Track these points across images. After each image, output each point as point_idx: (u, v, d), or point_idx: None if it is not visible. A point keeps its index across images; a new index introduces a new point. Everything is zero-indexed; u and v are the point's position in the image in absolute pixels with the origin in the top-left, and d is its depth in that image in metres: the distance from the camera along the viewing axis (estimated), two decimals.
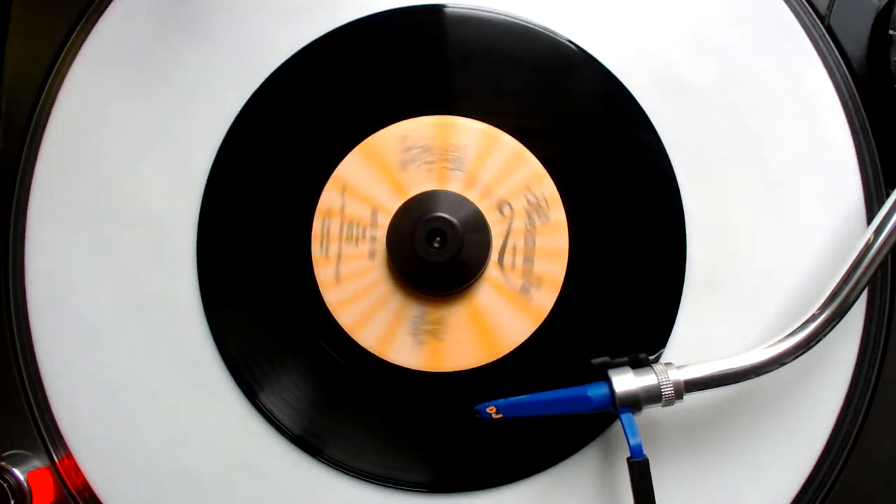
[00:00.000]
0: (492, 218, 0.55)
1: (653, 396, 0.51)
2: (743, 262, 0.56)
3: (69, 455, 0.57)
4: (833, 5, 0.57)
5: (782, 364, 0.51)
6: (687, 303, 0.56)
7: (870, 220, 0.55)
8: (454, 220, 0.52)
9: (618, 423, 0.54)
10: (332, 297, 0.56)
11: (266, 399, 0.56)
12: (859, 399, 0.55)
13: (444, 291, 0.55)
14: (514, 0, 0.58)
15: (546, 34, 0.57)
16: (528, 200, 0.56)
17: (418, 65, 0.58)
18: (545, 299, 0.55)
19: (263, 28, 0.59)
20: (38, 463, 0.57)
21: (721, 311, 0.56)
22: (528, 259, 0.55)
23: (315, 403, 0.56)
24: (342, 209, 0.56)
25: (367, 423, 0.56)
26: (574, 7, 0.58)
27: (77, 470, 0.57)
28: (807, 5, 0.58)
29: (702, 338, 0.55)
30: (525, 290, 0.55)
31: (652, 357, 0.55)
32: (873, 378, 0.55)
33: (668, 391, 0.51)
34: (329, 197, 0.56)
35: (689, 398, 0.52)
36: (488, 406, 0.52)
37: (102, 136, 0.59)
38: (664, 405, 0.51)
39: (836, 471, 0.55)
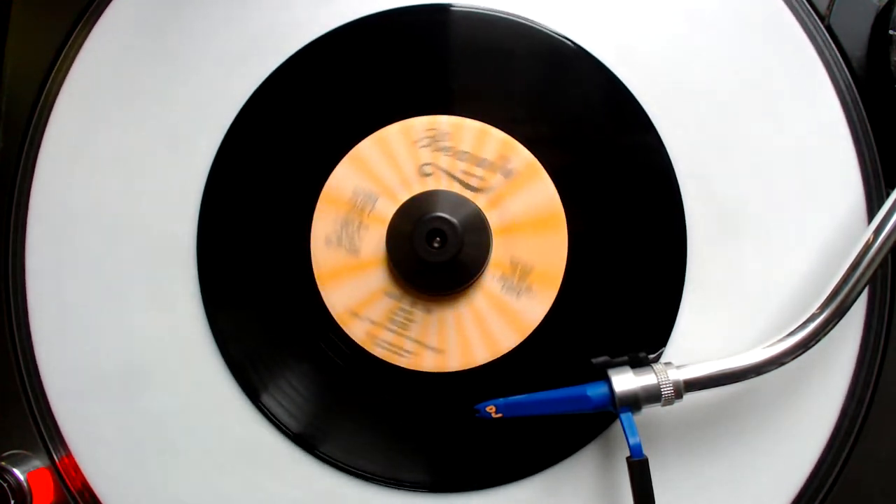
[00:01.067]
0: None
1: (652, 396, 0.51)
2: (743, 261, 0.56)
3: (69, 455, 0.57)
4: (833, 5, 0.57)
5: (782, 364, 0.51)
6: (687, 303, 0.56)
7: (870, 219, 0.55)
8: (454, 220, 0.52)
9: (617, 422, 0.54)
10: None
11: (266, 399, 0.56)
12: (859, 399, 0.55)
13: (444, 291, 0.55)
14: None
15: (546, 33, 0.57)
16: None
17: (418, 65, 0.58)
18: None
19: (264, 27, 0.59)
20: (38, 463, 0.57)
21: (721, 310, 0.55)
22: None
23: (315, 403, 0.56)
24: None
25: (368, 423, 0.56)
26: (574, 6, 0.58)
27: (77, 470, 0.57)
28: (807, 5, 0.58)
29: (702, 337, 0.55)
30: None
31: (652, 356, 0.55)
32: (873, 378, 0.55)
33: (667, 391, 0.51)
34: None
35: (689, 398, 0.52)
36: (488, 405, 0.52)
37: (102, 135, 0.59)
38: (664, 405, 0.51)
39: (836, 471, 0.55)
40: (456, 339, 0.55)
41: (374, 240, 0.56)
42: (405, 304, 0.55)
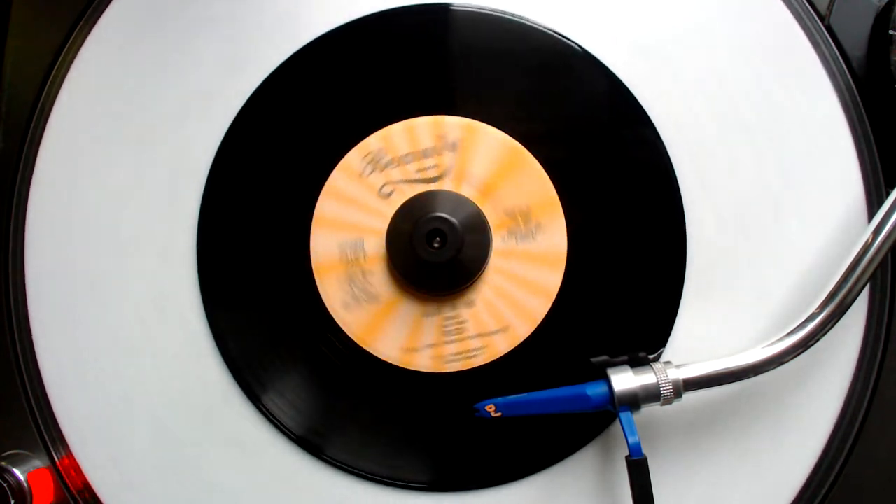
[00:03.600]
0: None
1: (651, 395, 0.51)
2: (743, 261, 0.56)
3: (69, 455, 0.57)
4: (833, 5, 0.57)
5: (781, 363, 0.51)
6: (687, 302, 0.56)
7: (870, 219, 0.55)
8: (454, 220, 0.52)
9: (617, 422, 0.54)
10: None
11: (266, 399, 0.56)
12: (859, 399, 0.55)
13: (444, 291, 0.55)
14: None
15: (546, 33, 0.57)
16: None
17: (418, 65, 0.58)
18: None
19: (264, 28, 0.59)
20: (38, 463, 0.58)
21: (721, 310, 0.55)
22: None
23: (315, 403, 0.56)
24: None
25: (367, 423, 0.56)
26: (574, 6, 0.58)
27: (77, 470, 0.57)
28: (807, 5, 0.58)
29: (702, 337, 0.55)
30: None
31: (652, 356, 0.55)
32: (873, 377, 0.55)
33: (666, 390, 0.51)
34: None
35: (689, 397, 0.52)
36: (487, 405, 0.52)
37: (102, 135, 0.59)
38: (663, 404, 0.51)
39: (836, 471, 0.55)
40: (509, 309, 0.55)
41: (383, 279, 0.56)
42: (447, 313, 0.55)
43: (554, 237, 0.55)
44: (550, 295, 0.55)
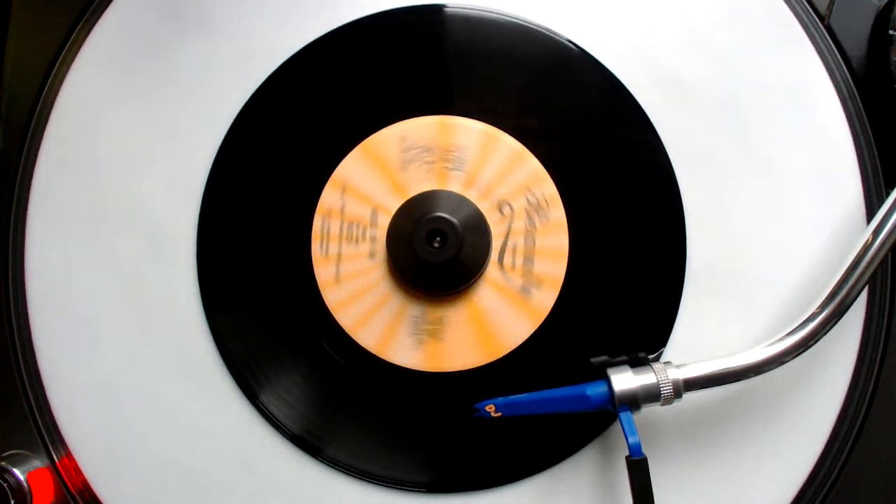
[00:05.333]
0: (492, 218, 0.55)
1: (651, 395, 0.51)
2: (743, 261, 0.56)
3: (69, 455, 0.57)
4: (833, 5, 0.57)
5: (781, 363, 0.51)
6: (687, 302, 0.56)
7: (870, 219, 0.55)
8: (454, 220, 0.52)
9: (617, 423, 0.54)
10: (332, 297, 0.56)
11: (266, 399, 0.56)
12: (859, 398, 0.55)
13: (444, 291, 0.55)
14: (513, 0, 0.58)
15: (545, 34, 0.57)
16: (528, 200, 0.56)
17: (418, 65, 0.58)
18: (545, 299, 0.55)
19: (264, 28, 0.59)
20: (38, 463, 0.57)
21: (721, 310, 0.56)
22: (528, 259, 0.55)
23: (315, 403, 0.56)
24: (342, 209, 0.56)
25: (367, 423, 0.56)
26: (573, 7, 0.58)
27: (77, 470, 0.57)
28: (807, 5, 0.58)
29: (702, 337, 0.55)
30: (525, 290, 0.55)
31: (653, 356, 0.55)
32: (873, 377, 0.55)
33: (666, 390, 0.51)
34: (329, 197, 0.56)
35: (689, 397, 0.52)
36: (487, 405, 0.52)
37: (102, 135, 0.59)
38: (663, 404, 0.51)
39: (836, 471, 0.55)
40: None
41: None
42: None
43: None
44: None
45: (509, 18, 0.58)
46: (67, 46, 0.60)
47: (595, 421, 0.55)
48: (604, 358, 0.54)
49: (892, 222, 0.51)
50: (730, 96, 0.57)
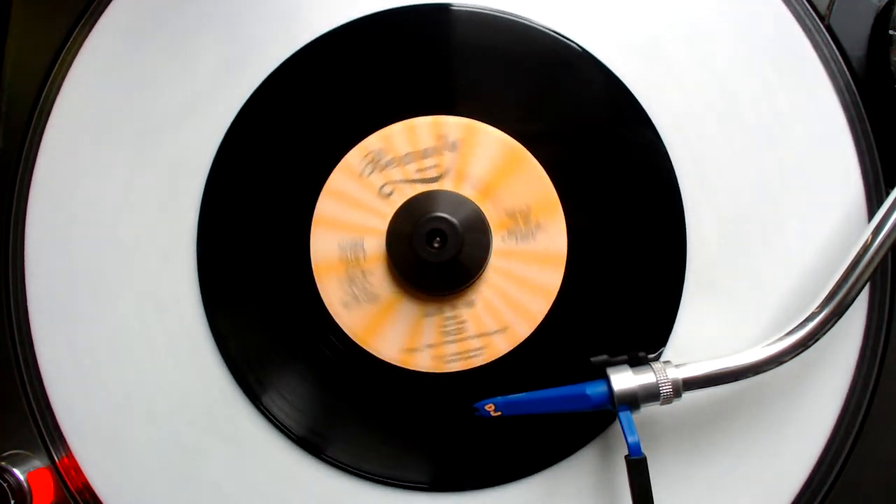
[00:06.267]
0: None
1: (651, 395, 0.51)
2: (743, 261, 0.56)
3: (69, 455, 0.57)
4: (833, 5, 0.57)
5: (781, 363, 0.51)
6: (687, 302, 0.56)
7: (870, 219, 0.55)
8: (454, 220, 0.52)
9: (617, 423, 0.54)
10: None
11: (266, 399, 0.56)
12: (859, 399, 0.55)
13: (444, 291, 0.55)
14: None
15: (546, 33, 0.57)
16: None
17: (418, 65, 0.58)
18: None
19: (263, 28, 0.59)
20: (38, 463, 0.58)
21: (721, 309, 0.55)
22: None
23: (315, 403, 0.56)
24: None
25: (368, 423, 0.56)
26: (574, 6, 0.58)
27: (77, 470, 0.57)
28: (807, 5, 0.58)
29: (701, 336, 0.55)
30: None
31: (652, 356, 0.55)
32: (873, 377, 0.55)
33: (666, 389, 0.51)
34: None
35: (688, 396, 0.52)
36: (486, 404, 0.52)
37: (102, 135, 0.59)
38: (662, 403, 0.51)
39: (836, 471, 0.55)
40: (509, 309, 0.55)
41: (383, 279, 0.56)
42: (447, 313, 0.55)
43: (554, 237, 0.55)
44: (550, 295, 0.55)
45: (509, 17, 0.57)
46: (67, 46, 0.60)
47: (595, 421, 0.55)
48: (603, 357, 0.54)
49: (892, 222, 0.51)
50: (730, 96, 0.57)
